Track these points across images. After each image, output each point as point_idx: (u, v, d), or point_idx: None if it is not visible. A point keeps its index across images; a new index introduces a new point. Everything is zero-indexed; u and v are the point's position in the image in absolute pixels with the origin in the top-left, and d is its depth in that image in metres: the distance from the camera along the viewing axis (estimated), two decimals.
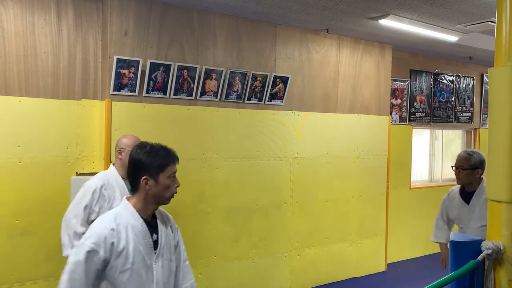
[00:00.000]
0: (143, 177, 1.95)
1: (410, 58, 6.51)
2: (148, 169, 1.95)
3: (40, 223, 3.75)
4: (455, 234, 2.71)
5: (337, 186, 5.45)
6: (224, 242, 4.62)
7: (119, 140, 3.24)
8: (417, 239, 6.62)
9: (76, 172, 3.92)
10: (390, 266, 6.08)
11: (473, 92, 7.38)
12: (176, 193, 2.06)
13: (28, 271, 3.70)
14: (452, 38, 5.33)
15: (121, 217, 1.96)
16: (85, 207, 3.06)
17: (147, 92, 4.10)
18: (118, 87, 3.95)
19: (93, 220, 3.02)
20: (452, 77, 7.05)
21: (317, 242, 5.31)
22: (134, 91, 4.03)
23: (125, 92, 3.99)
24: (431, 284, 2.21)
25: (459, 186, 3.60)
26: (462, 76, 7.20)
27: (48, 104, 3.81)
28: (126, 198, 2.05)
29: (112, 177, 3.14)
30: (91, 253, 1.86)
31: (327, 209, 5.37)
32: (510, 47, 2.43)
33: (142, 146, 2.01)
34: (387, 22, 4.69)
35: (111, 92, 3.93)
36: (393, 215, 6.17)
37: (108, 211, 2.94)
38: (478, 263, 2.43)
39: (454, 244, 2.56)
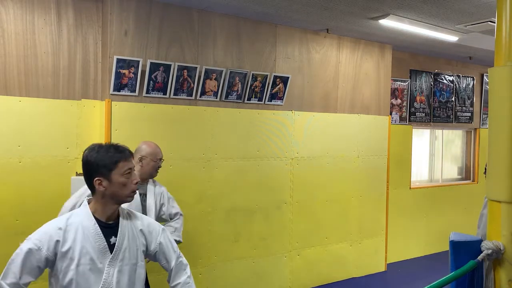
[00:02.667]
0: (96, 179, 1.92)
1: (410, 58, 6.51)
2: (98, 170, 1.92)
3: (40, 223, 3.72)
4: (455, 234, 2.71)
5: (337, 186, 5.45)
6: (224, 242, 4.62)
7: (140, 147, 3.22)
8: (417, 239, 6.62)
9: (76, 172, 3.92)
10: (390, 266, 6.08)
11: (473, 92, 7.38)
12: (136, 189, 2.01)
13: None
14: (452, 38, 5.33)
15: (75, 217, 1.94)
16: (73, 206, 3.08)
17: (147, 92, 4.10)
18: (118, 87, 3.95)
19: None
20: (452, 77, 7.05)
21: (317, 242, 5.31)
22: (134, 91, 4.03)
23: (125, 92, 3.99)
24: (431, 284, 2.22)
25: None
26: (462, 76, 7.20)
27: (48, 104, 3.81)
28: (87, 199, 2.02)
29: None
30: (32, 249, 1.87)
31: (327, 209, 5.37)
32: (510, 47, 2.43)
33: (91, 148, 1.98)
34: (387, 22, 4.69)
35: (111, 92, 3.93)
36: (393, 215, 6.17)
37: None
38: (478, 263, 2.44)
39: (454, 244, 2.56)
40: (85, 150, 2.00)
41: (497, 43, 2.51)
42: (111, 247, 1.94)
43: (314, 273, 5.28)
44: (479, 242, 2.50)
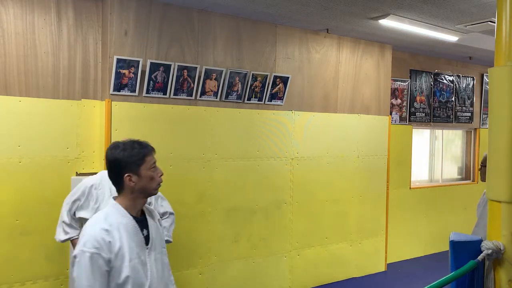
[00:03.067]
0: (126, 175, 1.96)
1: (410, 58, 6.51)
2: (128, 166, 1.96)
3: (40, 223, 3.75)
4: (455, 234, 2.71)
5: (337, 186, 5.45)
6: (224, 242, 4.62)
7: None
8: (417, 239, 6.62)
9: (76, 172, 3.92)
10: (390, 266, 6.08)
11: (473, 92, 7.38)
12: (161, 182, 2.08)
13: (28, 271, 3.70)
14: (452, 38, 5.33)
15: (111, 217, 1.96)
16: (75, 200, 3.20)
17: (147, 92, 4.10)
18: (118, 87, 3.95)
19: (75, 215, 3.17)
20: (452, 77, 7.05)
21: (317, 242, 5.31)
22: (134, 91, 4.03)
23: (125, 92, 3.99)
24: (431, 284, 2.21)
25: None
26: (462, 76, 7.20)
27: (48, 104, 3.81)
28: (113, 198, 2.05)
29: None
30: (93, 256, 1.85)
31: (327, 209, 5.37)
32: (510, 47, 2.43)
33: (115, 146, 2.01)
34: (387, 22, 4.69)
35: (111, 92, 3.93)
36: (393, 215, 6.17)
37: (94, 211, 3.01)
38: (478, 263, 2.43)
39: (454, 244, 2.55)
40: (108, 149, 2.03)
41: (497, 43, 2.51)
42: (146, 239, 2.02)
43: (314, 273, 5.28)
44: (479, 242, 2.50)
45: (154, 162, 2.05)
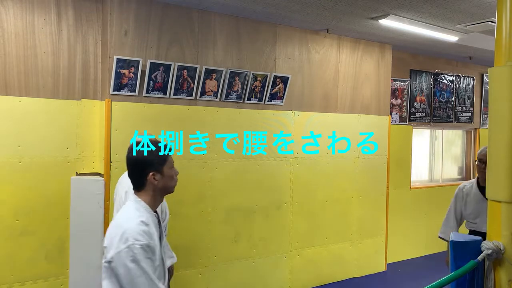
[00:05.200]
0: (151, 173, 2.01)
1: (410, 58, 6.51)
2: (153, 165, 2.02)
3: (40, 223, 3.75)
4: (455, 234, 2.72)
5: (337, 186, 5.45)
6: (224, 242, 4.62)
7: (137, 140, 3.22)
8: (417, 239, 6.62)
9: (76, 172, 3.92)
10: (390, 266, 6.08)
11: (473, 92, 7.38)
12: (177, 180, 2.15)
13: (28, 271, 3.70)
14: (452, 38, 5.33)
15: (142, 211, 2.00)
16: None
17: (147, 92, 4.10)
18: (118, 87, 3.95)
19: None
20: (452, 77, 7.05)
21: (317, 242, 5.31)
22: (134, 91, 4.03)
23: (125, 92, 3.99)
24: (431, 284, 2.22)
25: (471, 182, 3.65)
26: (462, 76, 7.20)
27: (48, 104, 3.82)
28: (136, 195, 2.07)
29: None
30: (143, 247, 1.86)
31: (327, 209, 5.37)
32: (510, 47, 2.43)
33: (139, 145, 2.05)
34: (387, 22, 4.69)
35: (111, 92, 3.93)
36: (393, 215, 6.17)
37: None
38: (478, 263, 2.44)
39: (454, 244, 2.56)
40: (133, 148, 2.05)
41: (497, 43, 2.51)
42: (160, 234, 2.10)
43: (314, 273, 5.28)
44: (479, 242, 2.50)
45: (173, 162, 2.12)
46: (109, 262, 1.87)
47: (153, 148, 2.04)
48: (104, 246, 1.95)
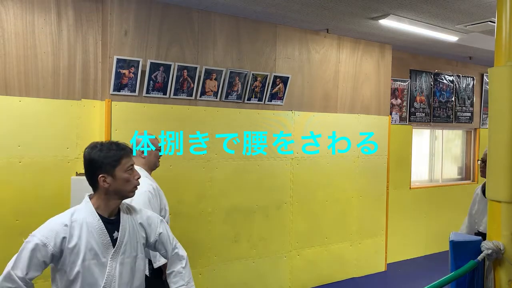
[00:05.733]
0: (100, 175, 1.96)
1: (410, 58, 6.51)
2: (103, 167, 1.96)
3: (40, 223, 3.71)
4: (455, 234, 2.72)
5: (337, 186, 5.45)
6: (224, 242, 4.62)
7: (137, 141, 3.20)
8: (417, 239, 6.62)
9: (76, 172, 3.92)
10: (390, 266, 6.08)
11: (473, 92, 7.38)
12: (138, 184, 2.07)
13: None
14: (452, 38, 5.33)
15: (79, 213, 1.98)
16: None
17: (147, 92, 4.10)
18: (118, 87, 3.95)
19: None
20: (452, 77, 7.05)
21: (317, 242, 5.31)
22: (134, 91, 4.03)
23: (125, 92, 3.99)
24: (431, 284, 2.22)
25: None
26: (462, 76, 7.20)
27: (48, 104, 3.81)
28: (88, 195, 2.05)
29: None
30: (38, 246, 1.89)
31: (327, 209, 5.37)
32: (510, 47, 2.43)
33: (93, 146, 2.02)
34: (387, 22, 4.69)
35: (111, 92, 3.93)
36: (393, 215, 6.17)
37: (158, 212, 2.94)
38: (478, 263, 2.44)
39: (454, 244, 2.56)
40: (86, 148, 2.03)
41: (497, 43, 2.51)
42: (114, 241, 2.00)
43: (314, 273, 5.28)
44: (479, 242, 2.50)
45: (131, 165, 2.04)
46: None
47: (105, 150, 1.98)
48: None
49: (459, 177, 7.55)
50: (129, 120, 4.02)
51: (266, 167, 4.88)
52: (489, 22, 4.62)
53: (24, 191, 3.71)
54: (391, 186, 6.09)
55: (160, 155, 3.24)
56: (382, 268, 5.94)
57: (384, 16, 4.52)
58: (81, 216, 1.96)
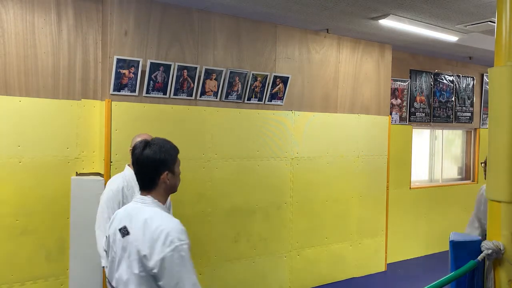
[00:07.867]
0: (166, 173, 1.99)
1: (410, 58, 6.51)
2: (167, 164, 2.00)
3: (40, 223, 3.75)
4: (455, 234, 2.72)
5: (337, 186, 5.45)
6: (224, 242, 4.62)
7: (134, 140, 3.20)
8: (417, 239, 6.62)
9: (76, 172, 3.92)
10: (390, 266, 6.08)
11: (473, 92, 7.38)
12: None
13: (28, 271, 3.70)
14: (452, 38, 5.33)
15: (163, 209, 2.01)
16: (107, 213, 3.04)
17: (147, 92, 4.10)
18: (118, 87, 3.95)
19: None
20: (452, 77, 7.05)
21: (317, 242, 5.31)
22: (134, 91, 4.03)
23: (125, 92, 3.99)
24: (431, 284, 2.22)
25: None
26: (462, 76, 7.20)
27: (48, 104, 3.82)
28: (145, 195, 2.02)
29: (131, 177, 3.08)
30: (188, 248, 2.02)
31: (327, 209, 5.37)
32: (510, 47, 2.44)
33: (152, 144, 1.99)
34: (387, 22, 4.69)
35: (111, 92, 3.93)
36: (393, 215, 6.17)
37: None
38: (478, 263, 2.44)
39: (454, 244, 2.56)
40: (139, 149, 1.99)
41: (497, 43, 2.51)
42: None
43: (314, 273, 5.28)
44: (479, 242, 2.50)
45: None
46: (151, 269, 1.87)
47: (166, 148, 2.01)
48: (143, 254, 1.87)
49: (459, 177, 7.55)
50: (129, 120, 4.02)
51: (266, 167, 4.88)
52: (489, 22, 4.62)
53: (24, 191, 3.71)
54: (391, 186, 6.09)
55: None
56: (382, 268, 5.94)
57: (384, 16, 4.52)
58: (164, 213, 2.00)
